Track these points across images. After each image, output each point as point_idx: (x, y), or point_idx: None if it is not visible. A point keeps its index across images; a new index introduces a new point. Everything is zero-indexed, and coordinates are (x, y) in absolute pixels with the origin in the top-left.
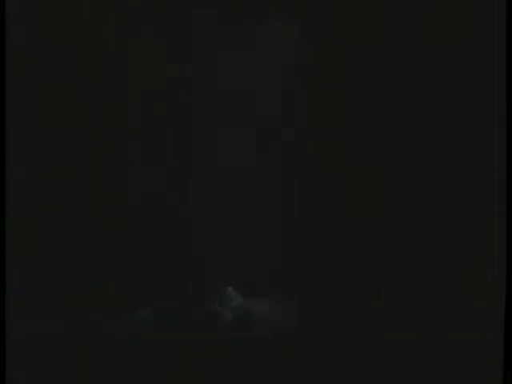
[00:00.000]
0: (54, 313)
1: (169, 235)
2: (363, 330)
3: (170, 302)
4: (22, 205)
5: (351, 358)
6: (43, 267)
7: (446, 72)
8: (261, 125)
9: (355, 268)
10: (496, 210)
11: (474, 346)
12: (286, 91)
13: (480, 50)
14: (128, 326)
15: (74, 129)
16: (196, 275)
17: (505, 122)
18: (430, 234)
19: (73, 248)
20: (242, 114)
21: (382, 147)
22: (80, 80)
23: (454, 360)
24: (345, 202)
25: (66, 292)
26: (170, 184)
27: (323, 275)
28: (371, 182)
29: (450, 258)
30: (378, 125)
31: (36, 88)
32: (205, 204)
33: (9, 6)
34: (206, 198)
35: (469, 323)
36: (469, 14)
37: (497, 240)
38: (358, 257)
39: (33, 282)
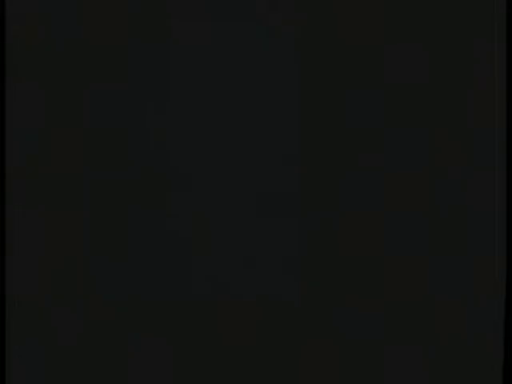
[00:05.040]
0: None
1: (166, 234)
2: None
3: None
4: (22, 204)
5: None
6: (44, 266)
7: (446, 71)
8: (257, 126)
9: (355, 268)
10: (496, 210)
11: (473, 345)
12: (283, 92)
13: (480, 50)
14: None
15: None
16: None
17: (505, 122)
18: (429, 233)
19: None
20: (238, 114)
21: (381, 148)
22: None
23: (454, 359)
24: (342, 202)
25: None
26: (167, 186)
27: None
28: (370, 182)
29: (449, 258)
30: (378, 124)
31: (36, 86)
32: (202, 203)
33: (9, 5)
34: (203, 199)
35: (468, 323)
36: (469, 13)
37: (497, 240)
38: (357, 254)
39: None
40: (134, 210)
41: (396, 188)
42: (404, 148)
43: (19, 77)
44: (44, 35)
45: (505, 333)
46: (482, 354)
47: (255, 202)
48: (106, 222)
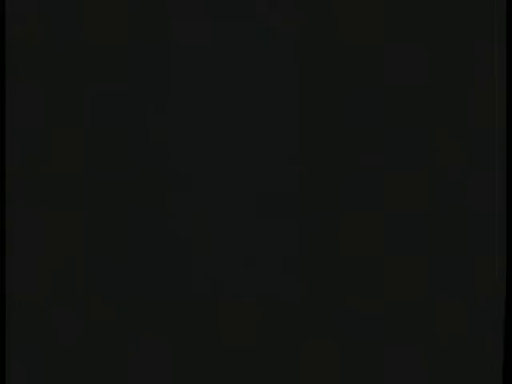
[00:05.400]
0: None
1: (167, 233)
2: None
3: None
4: (22, 204)
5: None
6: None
7: (446, 71)
8: (257, 125)
9: (356, 268)
10: (496, 210)
11: (473, 345)
12: (283, 92)
13: (480, 50)
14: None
15: (71, 126)
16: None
17: (505, 122)
18: (429, 233)
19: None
20: (238, 114)
21: (381, 148)
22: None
23: (454, 359)
24: (342, 202)
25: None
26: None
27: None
28: (369, 182)
29: (449, 258)
30: (378, 124)
31: (36, 86)
32: (202, 203)
33: (9, 5)
34: (203, 198)
35: (468, 323)
36: (469, 13)
37: (497, 240)
38: (357, 254)
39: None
40: (134, 210)
41: (396, 188)
42: (404, 148)
43: (19, 77)
44: (44, 35)
45: (505, 333)
46: (482, 354)
47: (255, 202)
48: (105, 222)
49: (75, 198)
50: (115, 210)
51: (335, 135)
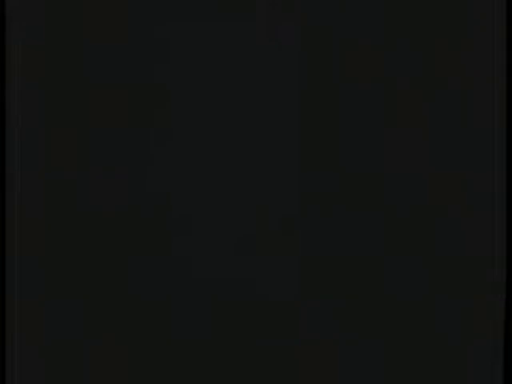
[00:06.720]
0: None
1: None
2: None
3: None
4: (22, 205)
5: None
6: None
7: (446, 71)
8: (257, 126)
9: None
10: (496, 210)
11: (473, 345)
12: (283, 92)
13: (480, 50)
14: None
15: (73, 127)
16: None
17: (505, 122)
18: (428, 233)
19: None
20: (238, 114)
21: (381, 148)
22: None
23: (453, 359)
24: (342, 202)
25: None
26: (167, 184)
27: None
28: (369, 182)
29: (449, 258)
30: (377, 124)
31: (36, 86)
32: (199, 204)
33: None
34: (201, 197)
35: (468, 323)
36: (468, 13)
37: (496, 240)
38: (357, 254)
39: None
40: (134, 209)
41: (396, 188)
42: (404, 148)
43: (19, 77)
44: (44, 35)
45: (505, 333)
46: (482, 353)
47: (255, 202)
48: (105, 222)
49: (75, 197)
50: (115, 209)
51: (335, 135)
